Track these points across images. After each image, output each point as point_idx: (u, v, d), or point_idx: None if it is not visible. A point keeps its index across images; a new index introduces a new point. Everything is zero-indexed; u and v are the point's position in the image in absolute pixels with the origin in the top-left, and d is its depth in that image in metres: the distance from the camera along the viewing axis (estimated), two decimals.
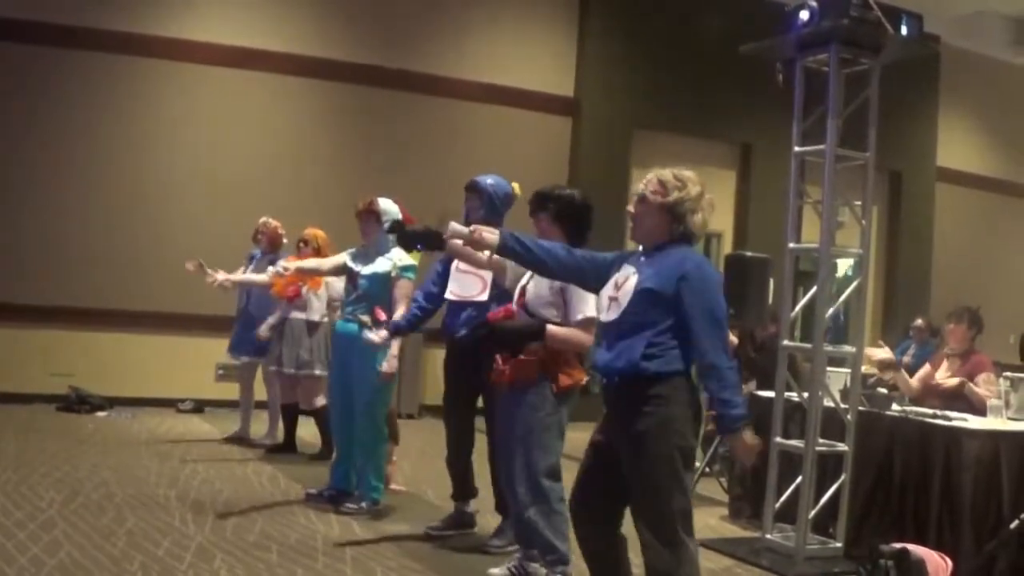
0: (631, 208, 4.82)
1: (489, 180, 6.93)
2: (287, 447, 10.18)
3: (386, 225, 7.29)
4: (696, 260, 4.71)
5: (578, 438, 5.98)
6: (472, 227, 4.93)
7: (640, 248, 4.87)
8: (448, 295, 7.00)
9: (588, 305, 5.60)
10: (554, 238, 5.89)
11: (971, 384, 8.22)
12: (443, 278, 7.08)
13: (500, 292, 6.49)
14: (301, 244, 9.87)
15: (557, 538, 5.83)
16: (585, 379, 5.86)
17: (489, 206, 6.86)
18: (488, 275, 6.79)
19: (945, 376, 8.49)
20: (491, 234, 4.85)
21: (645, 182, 4.77)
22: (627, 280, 4.73)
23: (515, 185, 6.97)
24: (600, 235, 6.14)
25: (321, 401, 9.71)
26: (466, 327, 6.87)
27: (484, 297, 6.82)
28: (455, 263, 6.95)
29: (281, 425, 10.44)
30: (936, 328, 11.43)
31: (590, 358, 5.07)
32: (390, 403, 8.13)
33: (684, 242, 4.76)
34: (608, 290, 4.83)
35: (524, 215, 6.23)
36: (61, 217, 12.40)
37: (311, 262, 8.72)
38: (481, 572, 6.30)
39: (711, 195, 4.80)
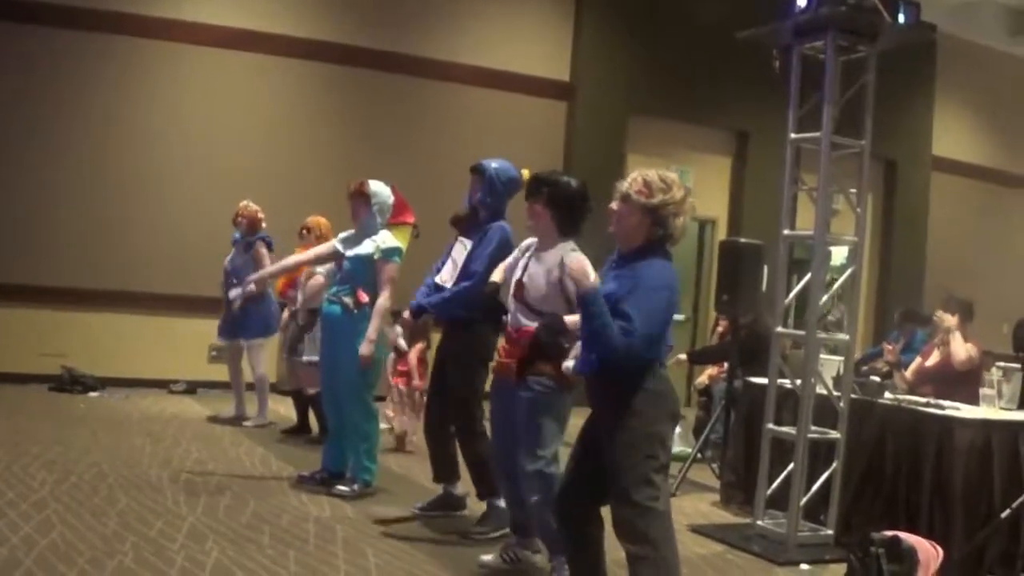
0: (613, 205, 4.80)
1: (494, 164, 6.91)
2: (302, 429, 10.23)
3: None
4: (656, 270, 4.69)
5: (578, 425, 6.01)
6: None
7: (615, 253, 4.87)
8: (437, 280, 7.05)
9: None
10: (546, 223, 5.89)
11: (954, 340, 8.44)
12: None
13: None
14: (304, 232, 9.88)
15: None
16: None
17: (490, 189, 6.87)
18: (460, 262, 6.87)
19: (933, 363, 8.61)
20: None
21: (630, 180, 4.75)
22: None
23: (525, 172, 6.92)
24: (594, 221, 6.11)
25: (315, 387, 9.73)
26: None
27: (450, 283, 6.91)
28: (455, 248, 7.00)
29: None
30: (923, 316, 11.45)
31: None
32: (375, 385, 8.09)
33: (661, 248, 4.75)
34: None
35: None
36: (54, 197, 12.36)
37: (292, 259, 8.67)
38: (471, 555, 6.32)
39: (693, 199, 4.80)
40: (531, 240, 6.06)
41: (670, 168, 5.06)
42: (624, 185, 4.75)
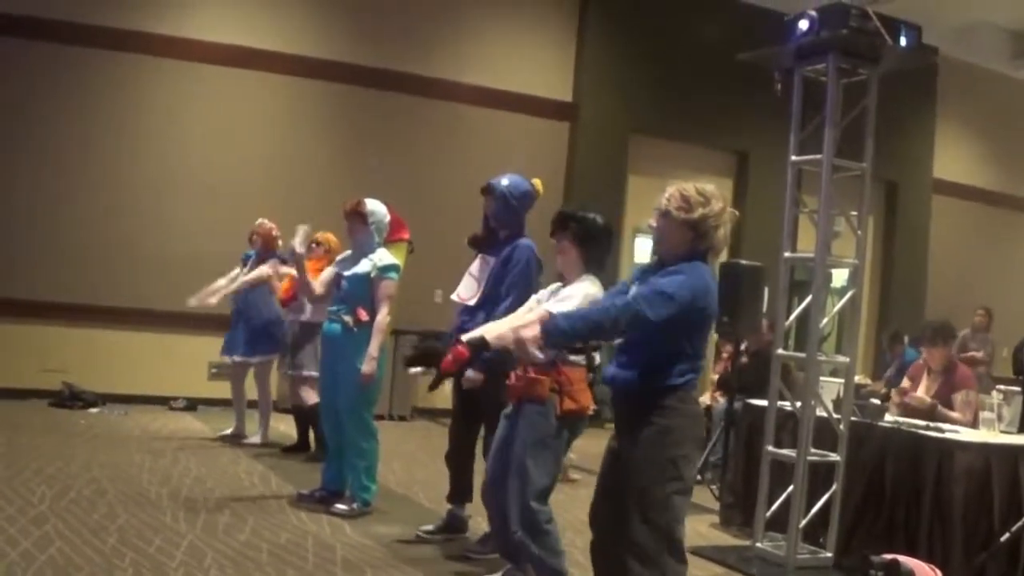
0: (652, 222, 4.79)
1: (504, 181, 6.88)
2: (301, 447, 10.18)
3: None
4: (683, 268, 4.65)
5: (581, 447, 5.96)
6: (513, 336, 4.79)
7: (656, 261, 4.88)
8: (453, 297, 7.04)
9: (559, 305, 5.57)
10: (572, 259, 5.85)
11: (942, 408, 8.23)
12: None
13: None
14: (313, 246, 9.88)
15: (548, 555, 5.78)
16: (592, 407, 5.85)
17: (504, 207, 6.86)
18: (482, 280, 6.83)
19: (924, 394, 8.50)
20: (532, 336, 4.55)
21: (668, 197, 4.72)
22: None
23: (536, 182, 6.91)
24: None
25: (312, 399, 9.69)
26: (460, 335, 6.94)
27: (473, 302, 6.84)
28: (475, 264, 7.01)
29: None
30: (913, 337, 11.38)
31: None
32: (375, 403, 8.09)
33: (703, 258, 4.73)
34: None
35: (540, 218, 6.24)
36: (55, 213, 12.40)
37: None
38: (469, 575, 6.31)
39: (732, 208, 4.79)
40: (557, 284, 6.03)
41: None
42: (663, 201, 4.72)
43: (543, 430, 5.76)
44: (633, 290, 4.69)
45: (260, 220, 10.53)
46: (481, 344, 5.18)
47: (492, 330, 4.98)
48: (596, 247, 5.90)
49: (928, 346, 8.60)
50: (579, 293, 5.64)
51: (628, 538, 4.64)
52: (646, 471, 4.59)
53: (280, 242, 10.45)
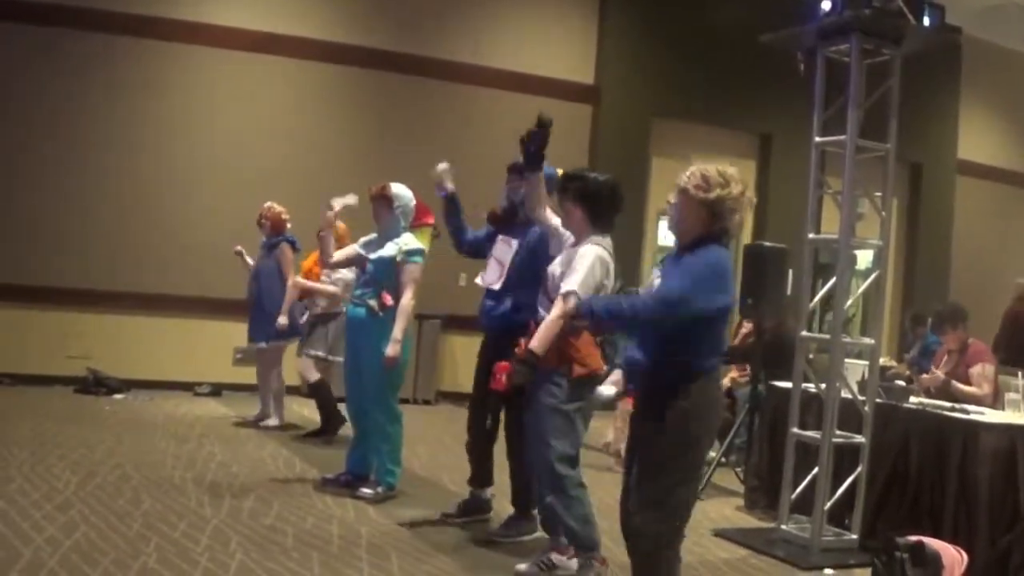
0: (671, 199, 4.79)
1: None
2: (325, 431, 10.20)
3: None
4: (711, 258, 4.64)
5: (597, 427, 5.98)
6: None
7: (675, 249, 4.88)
8: (477, 280, 7.02)
9: (570, 280, 5.64)
10: (576, 219, 5.90)
11: (954, 383, 8.35)
12: (484, 240, 7.22)
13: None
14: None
15: (578, 523, 5.81)
16: (604, 368, 5.85)
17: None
18: (506, 264, 6.80)
19: (944, 372, 8.66)
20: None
21: (688, 175, 4.70)
22: (654, 282, 4.78)
23: (560, 171, 6.90)
24: (618, 221, 6.10)
25: (313, 376, 9.99)
26: (486, 319, 6.96)
27: (497, 286, 6.82)
28: (496, 246, 6.99)
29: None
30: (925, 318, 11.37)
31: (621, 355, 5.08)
32: (400, 387, 8.08)
33: (717, 239, 4.71)
34: (644, 289, 4.89)
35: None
36: (79, 200, 12.44)
37: (325, 286, 8.72)
38: (495, 559, 6.32)
39: (751, 193, 4.76)
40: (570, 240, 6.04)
41: None
42: (682, 179, 4.72)
43: (556, 396, 5.78)
44: (657, 280, 4.72)
45: (269, 204, 10.58)
46: (533, 359, 5.48)
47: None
48: (599, 205, 5.90)
49: (939, 333, 8.83)
50: (584, 264, 5.69)
51: (638, 513, 4.68)
52: (663, 454, 4.60)
53: (289, 225, 10.49)
